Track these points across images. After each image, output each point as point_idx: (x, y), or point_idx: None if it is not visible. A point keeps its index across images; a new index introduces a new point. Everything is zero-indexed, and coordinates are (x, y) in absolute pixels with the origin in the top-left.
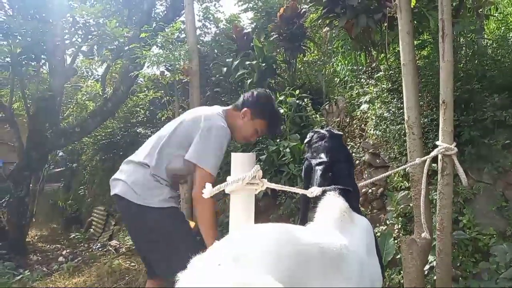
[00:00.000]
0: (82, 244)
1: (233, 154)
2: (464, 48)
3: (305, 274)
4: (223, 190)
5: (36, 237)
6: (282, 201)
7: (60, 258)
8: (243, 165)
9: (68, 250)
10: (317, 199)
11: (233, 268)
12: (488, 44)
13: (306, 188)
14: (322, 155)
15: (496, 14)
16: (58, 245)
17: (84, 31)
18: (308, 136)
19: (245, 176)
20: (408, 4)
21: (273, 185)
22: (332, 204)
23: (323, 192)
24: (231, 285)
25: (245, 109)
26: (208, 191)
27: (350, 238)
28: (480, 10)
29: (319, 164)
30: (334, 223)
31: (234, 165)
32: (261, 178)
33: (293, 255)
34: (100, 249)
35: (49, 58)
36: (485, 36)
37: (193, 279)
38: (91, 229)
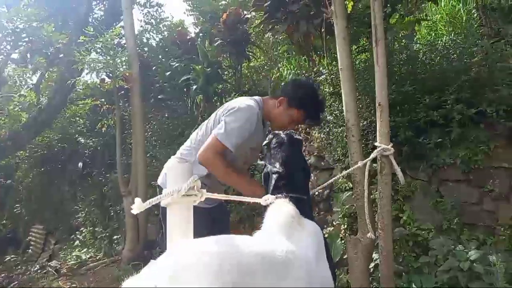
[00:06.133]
0: (19, 266)
1: (168, 166)
2: (397, 53)
3: (249, 285)
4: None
5: None
6: (232, 207)
7: None
8: (179, 176)
9: (3, 275)
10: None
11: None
12: (419, 49)
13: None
14: (277, 164)
15: (428, 19)
16: None
17: (14, 38)
18: (267, 138)
19: (180, 188)
20: (344, 11)
21: (215, 195)
22: (280, 209)
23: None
24: None
25: (282, 97)
26: (137, 206)
27: (298, 244)
28: (412, 16)
29: (275, 172)
30: (281, 229)
31: (170, 177)
32: (200, 188)
33: (235, 268)
34: (39, 271)
35: None
36: (418, 41)
37: None
38: (29, 250)
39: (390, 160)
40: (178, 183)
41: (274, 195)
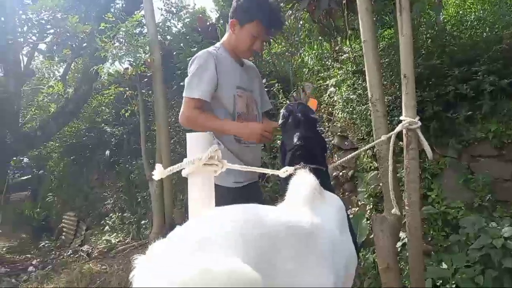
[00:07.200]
0: (53, 252)
1: (188, 135)
2: (424, 25)
3: (274, 256)
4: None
5: (4, 249)
6: None
7: (30, 268)
8: (199, 146)
9: (38, 259)
10: (289, 178)
11: (196, 253)
12: (447, 21)
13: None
14: (295, 139)
15: None
16: (28, 255)
17: (39, 29)
18: (282, 115)
19: (201, 157)
20: None
21: (236, 166)
22: (302, 181)
23: (295, 171)
24: (194, 270)
25: (231, 21)
26: (158, 172)
27: (321, 216)
28: None
29: (291, 148)
30: (304, 201)
31: (190, 146)
32: (221, 159)
33: (260, 237)
34: (71, 255)
35: (3, 58)
36: (445, 19)
37: (152, 267)
38: (62, 236)
39: (417, 134)
40: (199, 153)
41: (292, 166)
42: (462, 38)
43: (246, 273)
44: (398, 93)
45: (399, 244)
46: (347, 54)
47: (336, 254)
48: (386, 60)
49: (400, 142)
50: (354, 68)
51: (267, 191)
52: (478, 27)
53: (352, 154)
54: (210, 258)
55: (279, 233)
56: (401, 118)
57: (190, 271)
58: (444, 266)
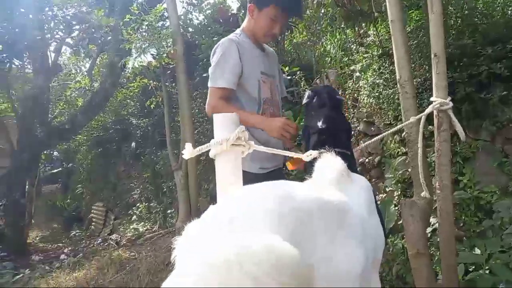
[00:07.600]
0: (83, 240)
1: (215, 115)
2: (453, 5)
3: (307, 231)
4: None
5: (37, 238)
6: None
7: (62, 256)
8: (226, 126)
9: (69, 248)
10: (313, 162)
11: (233, 232)
12: None
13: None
14: (319, 122)
15: None
16: (60, 244)
17: (65, 24)
18: (307, 95)
19: (229, 137)
20: None
21: (262, 148)
22: (328, 164)
23: (320, 155)
24: (233, 249)
25: (249, 6)
26: (188, 152)
27: (349, 197)
28: None
29: (315, 132)
30: (331, 182)
31: (217, 127)
32: (248, 140)
33: (293, 211)
34: (101, 243)
35: (32, 54)
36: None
37: (189, 248)
38: (92, 226)
39: (449, 115)
40: (225, 133)
41: (316, 149)
42: (494, 16)
43: (285, 250)
44: (427, 74)
45: (429, 229)
46: (372, 38)
47: (365, 234)
48: (415, 42)
49: (430, 126)
50: (380, 52)
51: (292, 179)
52: (510, 4)
53: (380, 136)
54: (247, 236)
55: (310, 208)
56: (431, 99)
57: (229, 251)
58: (477, 251)
